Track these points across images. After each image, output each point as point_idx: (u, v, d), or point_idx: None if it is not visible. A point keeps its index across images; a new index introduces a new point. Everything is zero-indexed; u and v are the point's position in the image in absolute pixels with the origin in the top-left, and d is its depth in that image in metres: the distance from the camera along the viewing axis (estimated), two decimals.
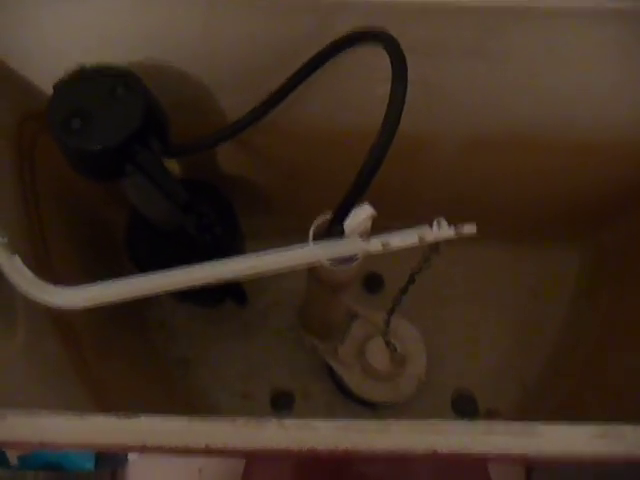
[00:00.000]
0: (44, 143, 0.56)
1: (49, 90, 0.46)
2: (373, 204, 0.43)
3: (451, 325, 0.78)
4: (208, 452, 0.32)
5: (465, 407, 0.75)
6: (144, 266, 0.61)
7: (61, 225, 0.60)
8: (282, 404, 0.76)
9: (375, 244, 0.45)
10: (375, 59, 0.43)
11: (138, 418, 0.33)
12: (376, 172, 0.40)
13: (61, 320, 0.52)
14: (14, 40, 0.51)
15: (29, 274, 0.41)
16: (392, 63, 0.39)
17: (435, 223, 0.45)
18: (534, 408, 0.73)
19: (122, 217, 0.63)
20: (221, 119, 0.56)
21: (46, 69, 0.50)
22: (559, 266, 0.80)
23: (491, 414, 0.74)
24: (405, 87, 0.38)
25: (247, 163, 0.64)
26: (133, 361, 0.68)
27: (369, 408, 0.75)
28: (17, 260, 0.41)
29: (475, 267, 0.80)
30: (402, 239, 0.44)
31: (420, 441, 0.32)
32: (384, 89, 0.39)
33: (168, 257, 0.59)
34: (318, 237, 0.47)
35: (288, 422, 0.32)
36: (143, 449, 0.32)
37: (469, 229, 0.45)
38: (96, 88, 0.45)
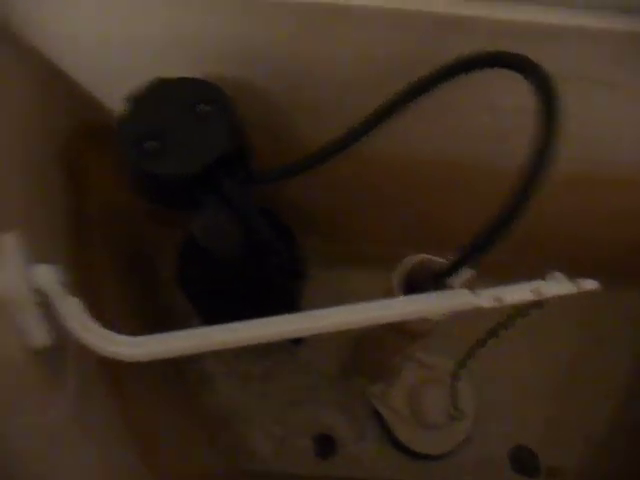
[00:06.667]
0: (94, 162, 0.50)
1: (108, 103, 0.40)
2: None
3: (508, 374, 0.72)
4: None
5: (525, 464, 0.69)
6: (198, 299, 0.54)
7: (106, 255, 0.53)
8: (325, 449, 0.70)
9: (487, 299, 0.40)
10: (493, 83, 0.38)
11: None
12: (508, 230, 0.34)
13: (109, 370, 0.45)
14: (78, 50, 0.44)
15: (90, 322, 0.35)
16: (540, 98, 0.33)
17: (552, 277, 0.41)
18: (603, 466, 0.66)
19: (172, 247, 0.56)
20: (296, 144, 0.49)
21: (109, 82, 0.44)
22: (626, 309, 0.74)
23: (554, 473, 0.68)
24: (556, 131, 0.33)
25: (323, 191, 0.58)
26: (175, 411, 0.61)
27: (417, 459, 0.69)
28: (76, 303, 0.35)
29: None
30: (517, 294, 0.40)
31: None
32: (508, 121, 0.34)
33: (225, 292, 0.53)
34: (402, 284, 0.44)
35: None
36: None
37: (591, 284, 0.41)
38: (175, 103, 0.39)
